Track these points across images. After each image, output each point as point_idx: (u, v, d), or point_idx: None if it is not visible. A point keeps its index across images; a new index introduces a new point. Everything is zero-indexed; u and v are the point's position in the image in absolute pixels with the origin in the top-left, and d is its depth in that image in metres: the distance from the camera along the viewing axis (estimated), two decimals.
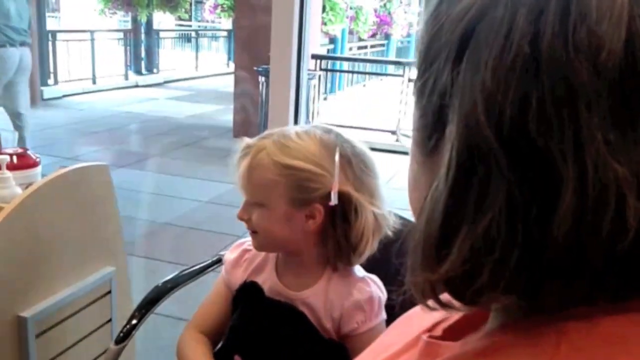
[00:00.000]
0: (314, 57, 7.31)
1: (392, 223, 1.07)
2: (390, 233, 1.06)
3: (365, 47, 12.39)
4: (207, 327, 1.15)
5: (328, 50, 9.98)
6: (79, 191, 1.62)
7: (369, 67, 11.28)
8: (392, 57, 13.97)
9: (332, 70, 9.52)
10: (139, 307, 1.32)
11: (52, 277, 1.53)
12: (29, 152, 1.72)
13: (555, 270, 0.38)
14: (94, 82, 10.15)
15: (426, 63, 0.45)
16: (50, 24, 12.51)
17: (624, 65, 0.35)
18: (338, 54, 10.40)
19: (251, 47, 6.63)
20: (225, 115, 7.88)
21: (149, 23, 11.72)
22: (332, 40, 10.31)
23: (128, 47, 11.32)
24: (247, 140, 1.06)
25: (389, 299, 1.09)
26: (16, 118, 4.89)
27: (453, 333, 0.53)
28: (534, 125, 0.36)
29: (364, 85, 12.20)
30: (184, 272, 1.42)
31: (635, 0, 0.36)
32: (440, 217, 0.40)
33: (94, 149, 6.32)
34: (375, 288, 1.08)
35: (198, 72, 13.57)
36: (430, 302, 0.44)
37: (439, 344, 0.50)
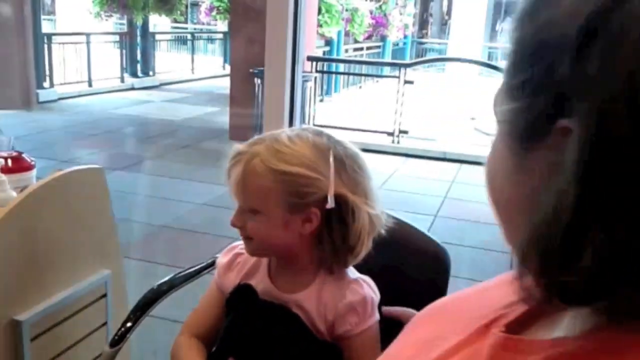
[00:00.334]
0: (310, 59, 7.31)
1: (385, 222, 1.07)
2: (383, 232, 1.07)
3: (361, 49, 12.41)
4: (201, 331, 1.15)
5: (324, 52, 9.99)
6: (74, 194, 1.62)
7: (364, 69, 11.30)
8: (387, 58, 13.99)
9: (328, 72, 9.52)
10: (134, 309, 1.32)
11: (47, 280, 1.53)
12: (23, 155, 1.71)
13: None
14: (90, 85, 10.14)
15: (526, 59, 0.45)
16: (46, 27, 12.50)
17: None
18: (334, 56, 10.41)
19: (246, 49, 6.63)
20: (221, 118, 7.88)
21: (145, 26, 11.71)
22: (328, 42, 10.32)
23: (124, 50, 11.31)
24: (238, 147, 1.04)
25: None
26: None
27: (514, 329, 0.53)
28: None
29: (360, 87, 12.21)
30: (179, 275, 1.42)
31: None
32: (568, 216, 0.39)
33: (89, 152, 6.31)
34: (368, 289, 1.08)
35: (194, 75, 13.56)
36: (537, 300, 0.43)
37: (521, 340, 0.49)
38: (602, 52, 0.38)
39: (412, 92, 7.26)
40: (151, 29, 12.60)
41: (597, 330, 0.43)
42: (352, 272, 1.10)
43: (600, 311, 0.43)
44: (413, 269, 1.27)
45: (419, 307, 1.24)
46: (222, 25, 15.21)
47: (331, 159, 1.00)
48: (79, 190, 1.64)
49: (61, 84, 9.54)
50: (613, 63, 0.37)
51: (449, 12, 21.10)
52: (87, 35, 10.39)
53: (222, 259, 1.17)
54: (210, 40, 17.36)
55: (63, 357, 1.57)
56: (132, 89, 10.94)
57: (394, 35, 13.08)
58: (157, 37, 13.67)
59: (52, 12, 18.39)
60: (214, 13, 11.37)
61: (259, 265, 1.13)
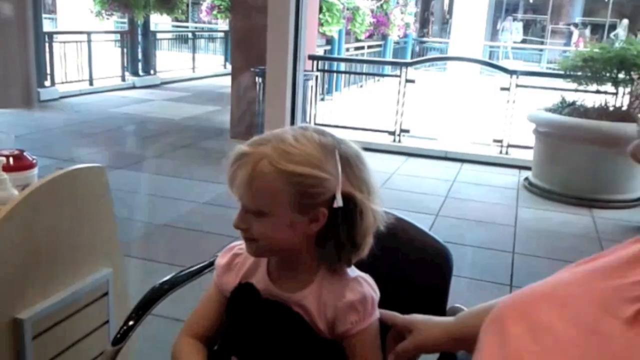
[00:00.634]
0: (311, 58, 7.30)
1: (384, 218, 1.07)
2: (382, 227, 1.06)
3: (362, 47, 12.40)
4: (201, 332, 1.14)
5: (325, 51, 9.98)
6: (76, 193, 1.62)
7: (366, 68, 11.29)
8: (389, 57, 13.98)
9: (329, 71, 9.51)
10: (136, 308, 1.32)
11: (49, 278, 1.53)
12: (25, 153, 1.72)
13: None
14: (91, 84, 10.13)
15: None
16: (47, 26, 12.50)
17: None
18: (335, 55, 10.41)
19: (248, 48, 6.63)
20: (222, 117, 7.87)
21: (146, 24, 11.70)
22: (329, 41, 10.31)
23: (125, 49, 11.30)
24: (242, 148, 1.02)
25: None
26: None
27: None
28: None
29: (361, 86, 12.20)
30: (181, 274, 1.42)
31: None
32: None
33: (90, 151, 6.31)
34: (368, 288, 1.08)
35: (195, 73, 13.56)
36: None
37: None
38: None
39: (413, 91, 7.25)
40: (152, 28, 12.58)
41: None
42: (351, 270, 1.10)
43: None
44: (415, 268, 1.27)
45: (420, 306, 1.24)
46: (223, 24, 15.20)
47: (338, 158, 1.00)
48: (81, 188, 1.64)
49: (62, 83, 9.54)
50: None
51: (450, 11, 21.07)
52: (88, 34, 10.39)
53: (220, 260, 1.17)
54: (212, 39, 17.36)
55: (65, 356, 1.57)
56: (133, 87, 10.94)
57: (395, 34, 13.07)
58: (158, 35, 13.66)
59: (53, 11, 18.39)
60: (215, 12, 11.36)
61: (258, 265, 1.13)
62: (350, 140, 1.07)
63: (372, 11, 11.40)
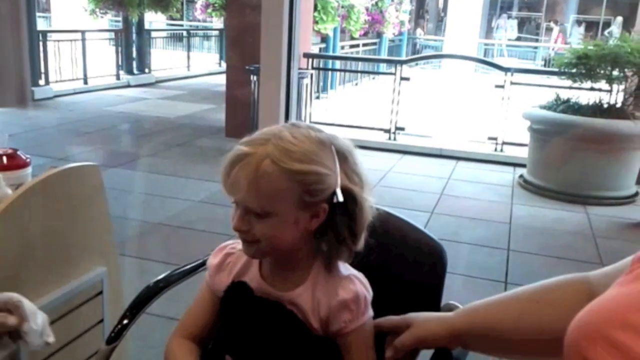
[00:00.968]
0: (306, 55, 7.30)
1: (374, 212, 1.07)
2: (371, 219, 1.07)
3: (357, 45, 12.40)
4: (194, 333, 1.14)
5: (320, 49, 9.98)
6: (70, 192, 1.62)
7: (361, 66, 11.29)
8: (384, 55, 13.98)
9: (324, 69, 9.52)
10: (131, 307, 1.32)
11: (43, 277, 1.53)
12: (19, 152, 1.71)
13: None
14: (86, 82, 10.11)
15: None
16: (41, 24, 12.45)
17: None
18: (330, 53, 10.40)
19: (242, 46, 6.62)
20: (217, 115, 7.86)
21: (140, 23, 11.68)
22: (324, 39, 10.31)
23: (119, 47, 11.27)
24: (241, 149, 0.99)
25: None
26: None
27: None
28: None
29: (356, 84, 12.21)
30: (175, 272, 1.41)
31: None
32: None
33: (85, 149, 6.30)
34: (361, 286, 1.07)
35: (190, 72, 13.54)
36: None
37: None
38: None
39: (408, 89, 7.26)
40: (147, 26, 12.57)
41: None
42: (344, 269, 1.09)
43: None
44: (410, 266, 1.27)
45: (414, 303, 1.24)
46: (218, 22, 15.18)
47: (335, 153, 1.01)
48: (75, 187, 1.64)
49: (56, 82, 9.51)
50: None
51: (444, 9, 21.09)
52: (83, 32, 10.35)
53: (212, 260, 1.16)
54: (206, 37, 17.33)
55: (59, 355, 1.57)
56: (128, 86, 10.92)
57: (390, 31, 13.07)
58: (153, 34, 13.64)
59: (47, 10, 18.32)
60: (209, 10, 11.33)
61: (250, 264, 1.12)
62: (340, 136, 1.07)
63: (367, 9, 11.39)
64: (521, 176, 5.68)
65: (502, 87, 6.66)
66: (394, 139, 7.01)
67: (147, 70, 11.89)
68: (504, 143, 6.63)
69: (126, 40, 11.36)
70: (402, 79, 7.08)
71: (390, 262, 1.25)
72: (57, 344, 1.58)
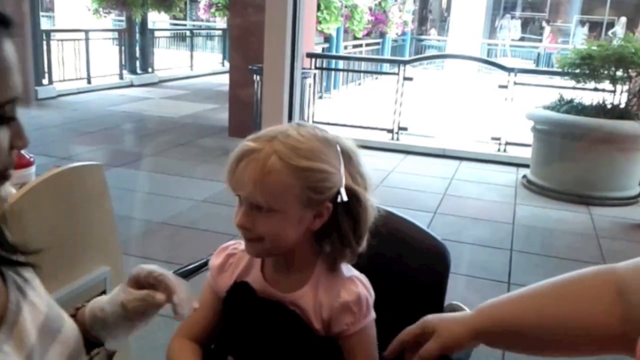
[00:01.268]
0: (309, 55, 7.30)
1: (377, 213, 1.07)
2: (374, 220, 1.06)
3: (361, 45, 12.39)
4: (196, 334, 1.13)
5: (323, 49, 9.98)
6: (73, 191, 1.62)
7: (364, 66, 11.29)
8: (387, 55, 13.97)
9: (328, 69, 9.52)
10: None
11: (46, 277, 1.53)
12: (22, 151, 1.71)
13: None
14: (89, 82, 10.12)
15: None
16: (45, 24, 12.48)
17: None
18: (333, 53, 10.40)
19: (246, 46, 6.62)
20: (221, 114, 7.87)
21: (144, 22, 11.69)
22: (327, 39, 10.30)
23: (123, 47, 11.29)
24: (249, 144, 0.99)
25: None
26: None
27: None
28: None
29: (359, 84, 12.20)
30: (178, 272, 1.41)
31: None
32: None
33: (88, 149, 6.31)
34: (363, 288, 1.07)
35: (193, 71, 13.55)
36: None
37: None
38: None
39: (412, 89, 7.25)
40: (150, 26, 12.58)
41: None
42: (347, 270, 1.09)
43: None
44: (412, 266, 1.27)
45: (417, 303, 1.24)
46: (221, 22, 15.18)
47: (340, 152, 1.01)
48: (78, 187, 1.64)
49: (60, 81, 9.53)
50: None
51: (448, 9, 21.07)
52: (86, 32, 10.37)
53: (214, 261, 1.16)
54: (209, 37, 17.34)
55: None
56: (131, 85, 10.93)
57: (393, 32, 13.06)
58: (156, 33, 13.65)
59: (51, 9, 18.36)
60: (212, 9, 11.34)
61: (252, 265, 1.12)
62: (344, 137, 1.07)
63: (370, 9, 11.39)
64: (524, 176, 5.67)
65: (506, 87, 6.65)
66: (397, 139, 7.00)
67: (150, 70, 11.90)
68: (507, 143, 6.62)
69: (129, 39, 11.37)
70: (405, 79, 7.07)
71: (393, 262, 1.25)
72: None
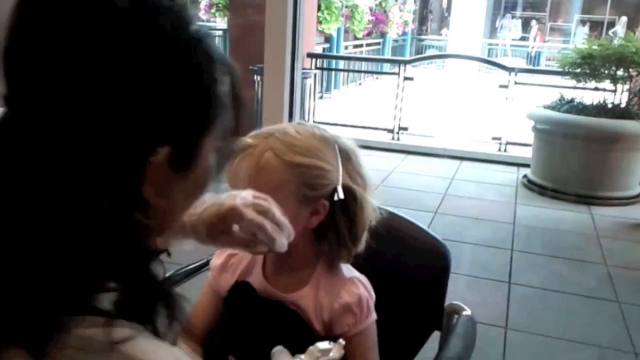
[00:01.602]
0: (310, 55, 7.30)
1: (376, 214, 1.06)
2: (374, 222, 1.06)
3: (361, 45, 12.40)
4: (197, 333, 1.14)
5: (324, 49, 9.98)
6: None
7: (364, 66, 11.29)
8: (387, 55, 13.97)
9: (328, 69, 9.52)
10: None
11: None
12: None
13: None
14: None
15: None
16: None
17: None
18: (333, 53, 10.40)
19: (246, 46, 6.62)
20: None
21: None
22: (328, 39, 10.31)
23: None
24: (245, 140, 1.00)
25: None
26: None
27: None
28: None
29: (360, 84, 12.20)
30: (178, 272, 1.41)
31: None
32: None
33: None
34: (363, 289, 1.07)
35: None
36: None
37: None
38: None
39: (412, 89, 7.25)
40: None
41: None
42: (347, 270, 1.09)
43: None
44: (413, 266, 1.27)
45: (418, 304, 1.24)
46: (222, 22, 15.19)
47: (337, 151, 1.01)
48: None
49: None
50: None
51: (448, 9, 21.07)
52: None
53: (215, 261, 1.16)
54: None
55: None
56: None
57: (393, 31, 13.07)
58: None
59: None
60: (213, 10, 11.34)
61: (254, 265, 1.12)
62: (344, 137, 1.07)
63: (370, 9, 11.40)
64: (525, 176, 5.67)
65: (506, 87, 6.65)
66: (398, 139, 7.00)
67: None
68: (507, 143, 6.62)
69: None
70: (405, 78, 7.07)
71: (393, 262, 1.25)
72: None
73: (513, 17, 21.85)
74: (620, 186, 5.16)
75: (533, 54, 18.27)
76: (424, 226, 1.32)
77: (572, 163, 5.19)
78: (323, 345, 0.93)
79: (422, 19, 22.61)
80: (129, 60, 0.53)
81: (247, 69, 6.45)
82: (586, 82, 5.40)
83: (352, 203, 1.01)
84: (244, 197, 0.90)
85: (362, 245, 1.06)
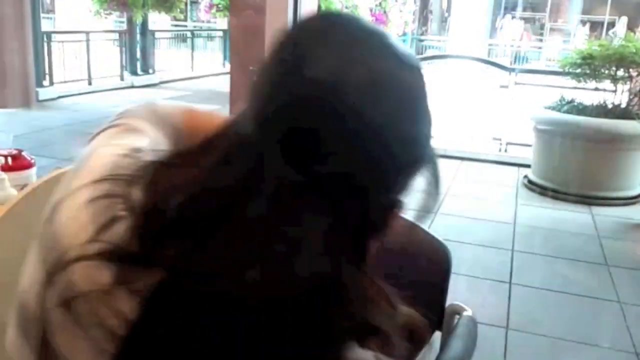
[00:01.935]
0: None
1: None
2: None
3: None
4: None
5: None
6: None
7: None
8: None
9: None
10: None
11: None
12: (23, 153, 1.72)
13: None
14: (90, 83, 10.13)
15: None
16: (46, 25, 12.48)
17: None
18: None
19: (246, 47, 6.62)
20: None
21: (145, 23, 11.69)
22: None
23: (123, 48, 11.29)
24: None
25: None
26: None
27: None
28: None
29: None
30: None
31: None
32: None
33: None
34: None
35: (194, 73, 13.55)
36: None
37: None
38: None
39: None
40: (151, 27, 12.58)
41: None
42: None
43: None
44: (414, 266, 1.27)
45: (419, 305, 1.24)
46: (222, 23, 15.18)
47: None
48: None
49: (61, 83, 9.54)
50: None
51: (448, 9, 21.08)
52: (87, 33, 10.38)
53: None
54: (210, 37, 17.33)
55: None
56: (132, 87, 10.93)
57: (394, 32, 13.05)
58: (157, 35, 13.65)
59: (52, 11, 18.39)
60: (213, 10, 11.35)
61: None
62: None
63: (370, 9, 11.39)
64: (525, 176, 5.67)
65: (507, 87, 6.65)
66: None
67: (151, 71, 11.91)
68: (508, 143, 6.62)
69: (130, 41, 11.37)
70: None
71: (394, 262, 1.25)
72: None
73: (513, 17, 21.86)
74: (620, 186, 5.16)
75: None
76: (425, 227, 1.32)
77: (572, 163, 5.19)
78: None
79: (422, 19, 22.61)
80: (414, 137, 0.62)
81: (248, 70, 6.45)
82: (586, 82, 5.40)
83: None
84: None
85: None
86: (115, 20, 14.24)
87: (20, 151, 1.71)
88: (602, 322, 3.07)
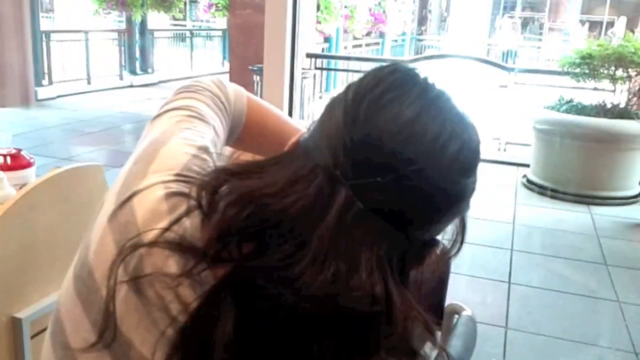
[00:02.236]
0: (309, 55, 7.29)
1: None
2: None
3: (360, 45, 12.39)
4: None
5: (323, 49, 9.97)
6: (74, 192, 1.62)
7: (363, 66, 11.27)
8: (386, 55, 13.96)
9: (327, 69, 9.51)
10: None
11: (47, 277, 1.53)
12: (22, 152, 1.71)
13: None
14: (89, 83, 10.12)
15: None
16: (44, 25, 12.47)
17: None
18: (333, 53, 10.40)
19: (245, 47, 6.63)
20: None
21: (144, 23, 11.69)
22: (327, 39, 10.30)
23: (122, 47, 11.28)
24: None
25: None
26: None
27: None
28: None
29: None
30: None
31: None
32: None
33: (88, 150, 6.31)
34: None
35: (193, 72, 13.54)
36: None
37: None
38: None
39: None
40: (150, 26, 12.57)
41: None
42: None
43: None
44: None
45: (419, 304, 1.24)
46: (221, 22, 15.18)
47: None
48: (79, 187, 1.64)
49: (60, 82, 9.53)
50: None
51: (447, 9, 21.08)
52: (86, 32, 10.37)
53: None
54: (209, 37, 17.32)
55: None
56: (131, 86, 10.93)
57: (392, 31, 13.06)
58: (156, 34, 13.64)
59: (51, 10, 18.37)
60: (212, 10, 11.33)
61: None
62: None
63: (369, 9, 11.39)
64: (525, 176, 5.67)
65: (506, 87, 6.65)
66: None
67: (150, 71, 11.90)
68: (507, 143, 6.62)
69: (129, 40, 11.37)
70: None
71: None
72: None
73: (512, 17, 21.85)
74: (619, 186, 5.17)
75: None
76: None
77: (571, 163, 5.20)
78: None
79: (421, 19, 22.62)
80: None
81: (247, 69, 6.45)
82: (585, 82, 5.40)
83: None
84: None
85: None
86: (114, 20, 14.23)
87: (19, 150, 1.71)
88: (601, 322, 3.08)
